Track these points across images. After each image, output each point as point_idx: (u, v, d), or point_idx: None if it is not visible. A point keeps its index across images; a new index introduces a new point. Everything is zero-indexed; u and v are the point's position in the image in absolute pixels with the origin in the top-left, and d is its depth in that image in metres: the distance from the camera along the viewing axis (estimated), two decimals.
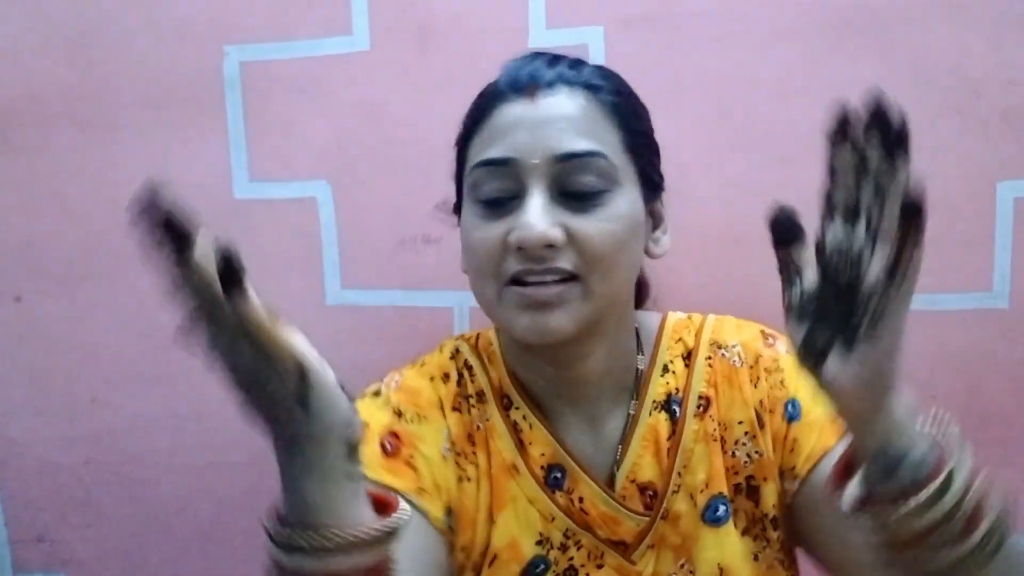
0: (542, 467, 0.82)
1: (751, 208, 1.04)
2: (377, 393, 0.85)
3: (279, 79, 1.07)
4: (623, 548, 0.82)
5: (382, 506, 0.59)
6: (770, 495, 0.82)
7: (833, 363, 0.55)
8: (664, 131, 0.85)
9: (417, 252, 1.08)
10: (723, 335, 0.87)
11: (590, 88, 0.77)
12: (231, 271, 0.49)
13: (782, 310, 0.61)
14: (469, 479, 0.82)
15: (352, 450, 0.56)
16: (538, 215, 0.72)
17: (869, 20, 1.03)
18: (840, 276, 0.53)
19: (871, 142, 0.50)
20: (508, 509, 0.82)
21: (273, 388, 0.52)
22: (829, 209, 0.53)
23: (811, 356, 0.56)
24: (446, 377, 0.85)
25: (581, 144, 0.74)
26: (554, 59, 0.79)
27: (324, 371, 0.54)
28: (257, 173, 1.08)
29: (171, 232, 0.47)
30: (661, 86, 0.97)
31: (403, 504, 0.60)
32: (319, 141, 1.08)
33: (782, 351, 0.85)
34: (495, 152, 0.76)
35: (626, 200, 0.77)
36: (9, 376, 1.10)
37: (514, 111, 0.76)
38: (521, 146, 0.74)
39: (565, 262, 0.74)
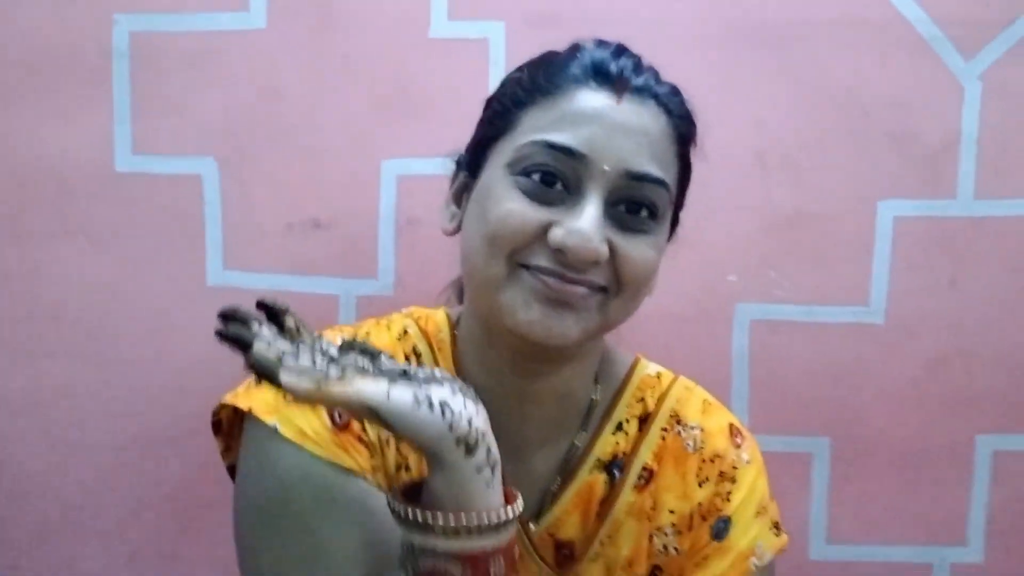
0: None
1: None
2: None
3: (170, 52, 1.04)
4: None
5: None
6: None
7: None
8: None
9: (306, 237, 1.07)
10: (686, 410, 0.83)
11: (669, 111, 0.73)
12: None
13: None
14: (408, 468, 0.75)
15: (469, 449, 0.57)
16: (594, 226, 0.67)
17: (764, 36, 1.06)
18: None
19: None
20: None
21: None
22: None
23: None
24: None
25: (655, 170, 0.69)
26: (639, 63, 0.74)
27: (390, 401, 0.55)
28: (141, 146, 1.05)
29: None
30: None
31: (519, 495, 0.61)
32: (209, 118, 1.05)
33: (745, 459, 0.82)
34: (566, 139, 0.68)
35: (664, 234, 0.73)
36: None
37: (596, 102, 0.69)
38: (597, 145, 0.68)
39: (599, 277, 0.69)
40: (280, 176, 1.06)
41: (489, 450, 0.58)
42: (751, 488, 0.81)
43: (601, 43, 0.75)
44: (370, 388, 0.53)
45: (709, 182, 1.06)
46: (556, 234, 0.67)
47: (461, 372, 0.78)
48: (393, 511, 0.57)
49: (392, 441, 0.74)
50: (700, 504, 0.80)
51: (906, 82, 1.06)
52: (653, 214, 0.70)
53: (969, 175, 1.07)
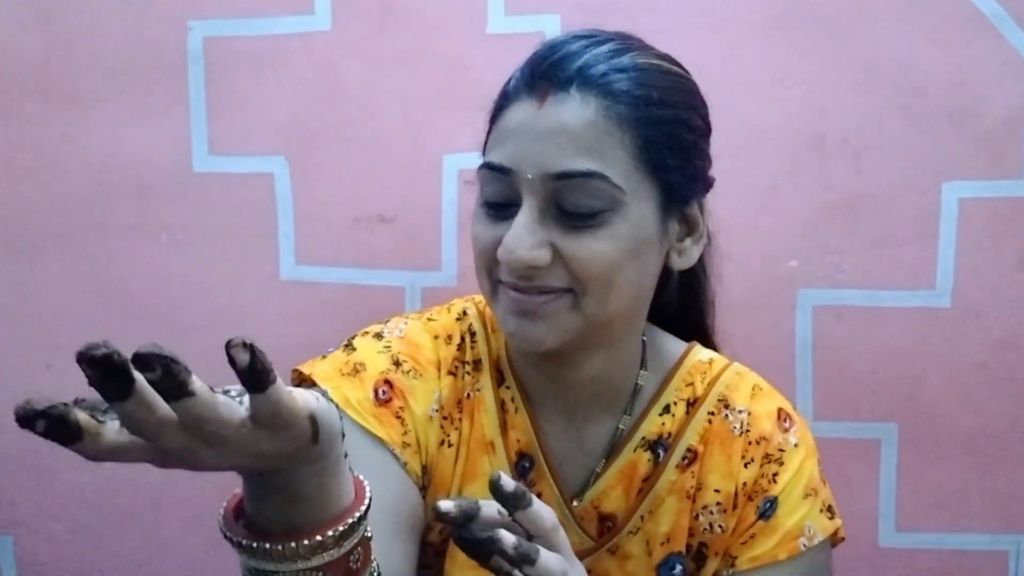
0: (516, 452, 0.82)
1: None
2: (379, 336, 0.82)
3: (241, 55, 1.09)
4: None
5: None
6: (711, 567, 0.82)
7: None
8: None
9: (372, 231, 1.10)
10: (735, 395, 0.84)
11: (609, 94, 0.71)
12: (258, 372, 0.43)
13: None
14: (451, 444, 0.81)
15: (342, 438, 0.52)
16: (520, 236, 0.70)
17: (819, 17, 1.06)
18: None
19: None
20: (477, 484, 0.80)
21: (287, 450, 0.47)
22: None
23: None
24: (449, 339, 0.83)
25: (579, 163, 0.70)
26: (586, 47, 0.73)
27: (322, 403, 0.49)
28: (216, 147, 1.10)
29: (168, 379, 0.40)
30: None
31: (368, 491, 0.54)
32: (278, 118, 1.10)
33: (792, 442, 0.83)
34: (496, 157, 0.72)
35: (630, 219, 0.72)
36: None
37: (520, 115, 0.72)
38: (519, 157, 0.71)
39: (554, 280, 0.72)
40: (346, 172, 1.10)
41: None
42: (798, 470, 0.82)
43: (549, 43, 0.75)
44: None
45: (766, 167, 1.08)
46: (498, 250, 0.72)
47: (509, 354, 0.83)
48: (244, 547, 0.49)
49: (436, 419, 0.80)
50: (745, 484, 0.81)
51: (966, 60, 1.04)
52: (596, 207, 0.71)
53: None
